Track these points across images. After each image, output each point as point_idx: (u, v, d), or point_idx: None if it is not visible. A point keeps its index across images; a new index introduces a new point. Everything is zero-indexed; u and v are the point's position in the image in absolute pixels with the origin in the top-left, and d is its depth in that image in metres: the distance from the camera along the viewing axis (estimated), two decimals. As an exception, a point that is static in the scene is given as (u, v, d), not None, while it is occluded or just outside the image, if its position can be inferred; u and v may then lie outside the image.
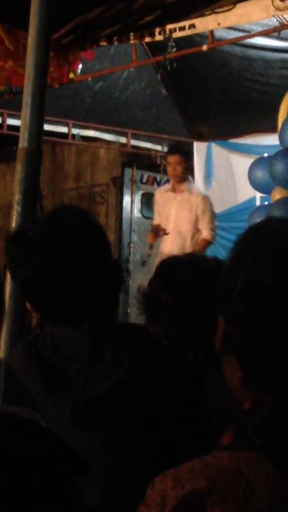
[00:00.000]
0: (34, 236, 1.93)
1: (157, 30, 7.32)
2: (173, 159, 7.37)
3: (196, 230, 7.39)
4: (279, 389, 1.21)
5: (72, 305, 1.91)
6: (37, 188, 3.23)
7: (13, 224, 3.18)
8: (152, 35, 7.40)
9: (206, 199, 7.46)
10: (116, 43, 7.60)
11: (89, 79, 8.60)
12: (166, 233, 7.43)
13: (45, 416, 1.77)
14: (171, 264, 2.22)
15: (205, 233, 7.36)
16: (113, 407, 1.80)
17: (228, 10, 6.57)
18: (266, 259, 1.26)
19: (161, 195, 7.72)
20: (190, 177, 7.64)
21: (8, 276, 3.09)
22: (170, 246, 7.30)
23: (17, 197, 3.17)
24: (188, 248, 7.15)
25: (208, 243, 7.46)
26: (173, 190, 7.53)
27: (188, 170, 7.49)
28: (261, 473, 1.10)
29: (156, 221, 7.81)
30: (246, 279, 1.26)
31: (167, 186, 7.86)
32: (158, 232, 7.49)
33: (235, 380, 1.28)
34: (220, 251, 9.65)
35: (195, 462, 1.13)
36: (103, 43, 7.54)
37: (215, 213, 7.55)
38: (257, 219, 7.36)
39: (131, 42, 7.65)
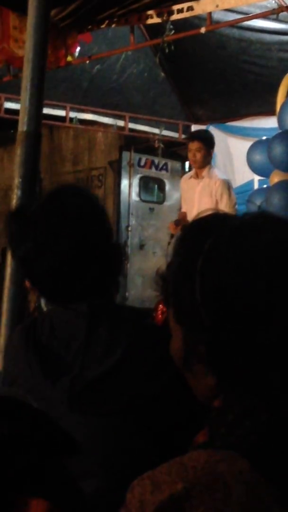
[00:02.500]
0: (34, 213, 1.94)
1: (155, 12, 7.29)
2: (192, 145, 7.31)
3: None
4: (253, 389, 1.20)
5: (67, 283, 1.91)
6: (37, 172, 3.22)
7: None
8: (150, 17, 7.37)
9: (224, 183, 7.36)
10: (113, 25, 7.57)
11: (87, 62, 8.56)
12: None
13: (43, 400, 1.78)
14: None
15: None
16: (110, 390, 1.79)
17: (226, -8, 6.56)
18: (221, 261, 1.21)
19: (185, 182, 7.71)
20: (212, 163, 7.56)
21: (9, 258, 3.11)
22: None
23: (16, 180, 3.16)
24: None
25: None
26: (196, 176, 7.51)
27: (208, 156, 7.39)
28: (237, 473, 1.09)
29: (183, 208, 7.82)
30: (205, 284, 1.20)
31: (191, 173, 7.84)
32: (179, 223, 7.51)
33: (203, 385, 1.27)
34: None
35: (172, 463, 1.12)
36: (101, 26, 7.51)
37: (234, 197, 7.44)
38: (257, 202, 7.38)
39: (129, 24, 7.62)
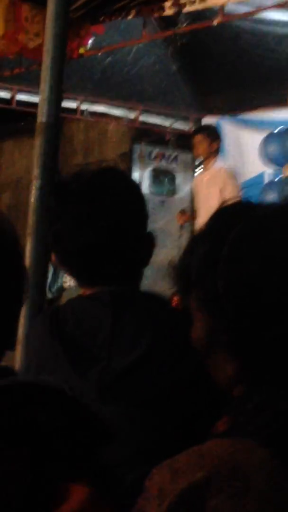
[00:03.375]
0: (75, 191, 1.93)
1: (168, 4, 7.27)
2: (195, 139, 7.54)
3: (224, 202, 7.40)
4: (275, 378, 1.20)
5: (96, 264, 1.91)
6: (56, 163, 3.22)
7: (32, 199, 3.18)
8: (162, 9, 7.35)
9: (227, 171, 7.52)
10: (126, 17, 7.55)
11: (99, 54, 8.55)
12: (189, 219, 7.65)
13: (71, 392, 1.77)
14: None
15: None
16: (139, 381, 1.78)
17: (240, -16, 6.55)
18: (247, 250, 1.21)
19: (196, 179, 7.96)
20: (217, 155, 7.65)
21: (27, 248, 3.11)
22: (201, 222, 7.36)
23: (36, 171, 3.17)
24: None
25: None
26: (204, 169, 7.69)
27: (211, 148, 7.48)
28: (257, 462, 1.09)
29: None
30: (228, 274, 1.21)
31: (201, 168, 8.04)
32: (185, 211, 7.67)
33: (224, 373, 1.27)
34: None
35: (191, 452, 1.13)
36: (114, 18, 7.49)
37: (237, 186, 7.53)
38: (269, 194, 7.37)
39: (141, 16, 7.60)
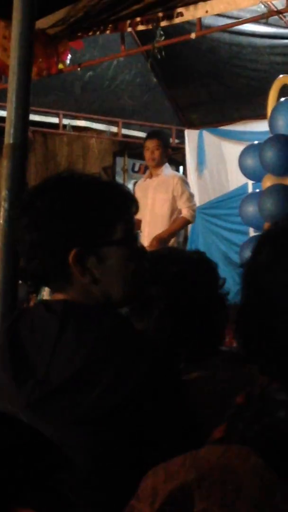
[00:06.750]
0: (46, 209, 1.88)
1: (145, 19, 7.28)
2: (150, 143, 7.44)
3: (174, 210, 7.43)
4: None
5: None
6: (25, 184, 3.21)
7: (1, 221, 3.16)
8: (140, 24, 7.37)
9: (183, 180, 7.57)
10: (104, 32, 7.56)
11: (79, 69, 8.56)
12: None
13: (9, 400, 1.76)
14: (153, 259, 2.18)
15: (184, 212, 7.43)
16: (71, 398, 1.72)
17: (216, -2, 6.57)
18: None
19: (139, 187, 7.76)
20: (167, 163, 7.64)
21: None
22: (148, 230, 7.36)
23: (4, 193, 3.15)
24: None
25: (186, 221, 7.52)
26: (150, 176, 7.61)
27: (165, 155, 7.50)
28: (250, 468, 1.10)
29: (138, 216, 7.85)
30: (255, 284, 1.22)
31: (145, 176, 7.94)
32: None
33: None
34: (213, 239, 9.65)
35: (187, 455, 1.14)
36: (92, 33, 7.51)
37: (192, 194, 7.61)
38: (249, 206, 7.37)
39: (119, 31, 7.61)
